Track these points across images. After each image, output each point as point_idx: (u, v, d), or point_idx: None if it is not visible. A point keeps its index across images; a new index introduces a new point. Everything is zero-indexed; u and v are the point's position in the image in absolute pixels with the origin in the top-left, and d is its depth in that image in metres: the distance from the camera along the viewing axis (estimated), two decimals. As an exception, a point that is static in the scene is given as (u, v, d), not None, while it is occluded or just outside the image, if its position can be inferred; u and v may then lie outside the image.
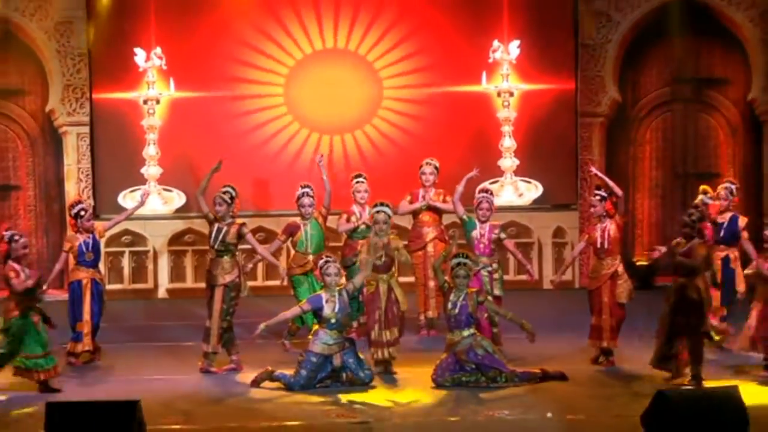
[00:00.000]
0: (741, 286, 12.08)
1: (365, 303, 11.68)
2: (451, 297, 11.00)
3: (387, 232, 11.47)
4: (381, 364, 11.30)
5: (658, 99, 17.44)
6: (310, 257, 12.60)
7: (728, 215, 12.23)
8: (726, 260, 12.10)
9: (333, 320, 10.93)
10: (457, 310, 10.96)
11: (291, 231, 12.80)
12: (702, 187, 12.59)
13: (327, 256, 11.45)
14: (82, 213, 12.25)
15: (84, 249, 12.15)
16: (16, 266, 10.84)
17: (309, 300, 11.25)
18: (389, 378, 11.18)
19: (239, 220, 11.88)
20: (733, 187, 12.41)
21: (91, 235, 12.25)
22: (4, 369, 10.80)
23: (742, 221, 12.31)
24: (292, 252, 13.04)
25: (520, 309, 11.86)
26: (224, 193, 11.85)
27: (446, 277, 11.12)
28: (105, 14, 16.56)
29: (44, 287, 11.38)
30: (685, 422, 8.46)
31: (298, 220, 12.77)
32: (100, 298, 12.18)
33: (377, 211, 11.50)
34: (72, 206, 12.58)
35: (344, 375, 10.91)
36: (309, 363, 10.85)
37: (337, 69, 16.91)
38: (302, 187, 12.83)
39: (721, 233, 12.09)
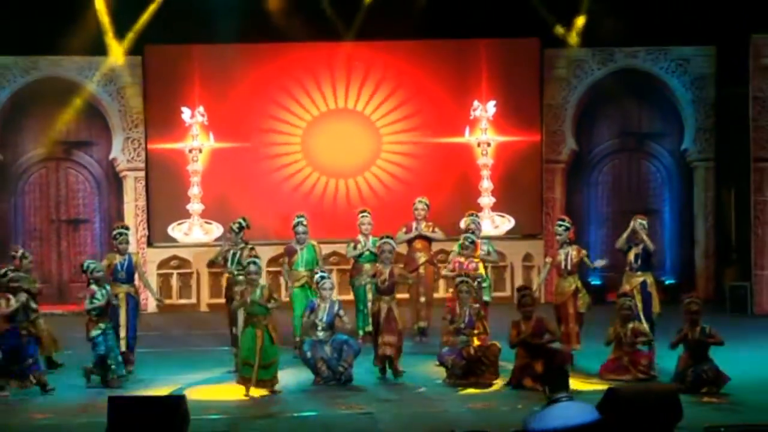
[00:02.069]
0: (656, 307, 11.90)
1: (372, 318, 11.51)
2: (458, 310, 10.99)
3: (391, 259, 11.34)
4: (382, 361, 11.08)
5: (608, 149, 17.45)
6: (304, 273, 12.44)
7: (641, 246, 12.00)
8: (644, 284, 11.87)
9: (320, 325, 10.90)
10: (464, 323, 10.93)
11: (289, 253, 12.61)
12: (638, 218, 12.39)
13: (322, 272, 11.37)
14: (117, 236, 11.81)
15: (119, 268, 11.65)
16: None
17: (306, 307, 11.27)
18: (389, 376, 11.13)
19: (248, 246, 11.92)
20: (645, 222, 12.22)
21: (126, 257, 11.73)
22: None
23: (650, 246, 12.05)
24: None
25: (497, 321, 11.85)
26: (233, 222, 11.89)
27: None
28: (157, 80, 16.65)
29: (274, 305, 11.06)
30: (631, 413, 8.42)
31: (293, 244, 12.61)
32: (136, 310, 11.73)
33: (384, 242, 11.36)
34: (113, 228, 12.33)
35: (334, 367, 10.80)
36: (309, 341, 10.93)
37: (344, 125, 16.92)
38: (297, 217, 12.71)
39: (638, 261, 11.90)
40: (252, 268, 10.80)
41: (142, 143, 16.68)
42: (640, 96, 17.25)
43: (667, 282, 16.65)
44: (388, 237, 11.48)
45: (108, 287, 11.04)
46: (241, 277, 11.52)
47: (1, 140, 16.57)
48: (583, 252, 11.96)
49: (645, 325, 11.34)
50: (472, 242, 12.03)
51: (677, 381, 10.15)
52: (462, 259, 11.96)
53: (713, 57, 16.90)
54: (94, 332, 10.78)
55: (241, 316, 11.31)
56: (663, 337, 11.33)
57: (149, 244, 16.58)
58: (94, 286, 10.85)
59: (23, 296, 10.72)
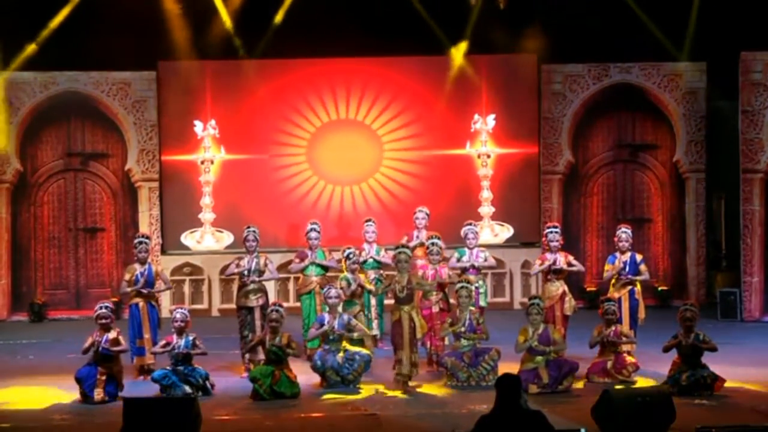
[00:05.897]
0: (642, 314, 11.86)
1: (392, 327, 10.97)
2: (458, 315, 10.93)
3: (407, 268, 10.89)
4: (403, 380, 10.72)
5: (603, 160, 17.41)
6: (314, 278, 12.42)
7: (628, 254, 11.95)
8: (632, 292, 11.84)
9: (331, 336, 10.85)
10: (465, 327, 10.89)
11: (301, 258, 12.59)
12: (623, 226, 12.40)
13: (329, 283, 11.30)
14: (137, 245, 11.65)
15: (139, 278, 11.49)
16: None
17: (316, 320, 11.22)
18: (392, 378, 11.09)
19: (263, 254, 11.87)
20: (629, 231, 12.19)
21: (147, 266, 11.56)
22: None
23: (639, 257, 12.04)
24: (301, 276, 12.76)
25: (496, 325, 11.83)
26: (251, 232, 11.79)
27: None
28: (171, 94, 16.70)
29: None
30: (625, 415, 8.41)
31: (306, 249, 12.58)
32: (157, 318, 11.58)
33: (399, 252, 10.87)
34: (134, 237, 12.17)
35: (344, 376, 10.74)
36: (320, 352, 10.86)
37: (347, 135, 16.92)
38: (311, 224, 12.61)
39: (626, 269, 11.87)
40: (274, 315, 10.67)
41: (157, 155, 16.71)
42: (633, 109, 17.23)
43: (659, 288, 16.66)
44: (403, 247, 11.04)
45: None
46: (254, 286, 11.54)
47: (22, 152, 16.62)
48: (570, 257, 11.96)
49: (627, 329, 11.35)
50: (439, 249, 11.89)
51: (670, 385, 10.13)
52: (429, 266, 11.75)
53: (704, 72, 16.92)
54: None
55: (258, 322, 11.40)
56: (654, 341, 11.33)
57: (163, 251, 16.60)
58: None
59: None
